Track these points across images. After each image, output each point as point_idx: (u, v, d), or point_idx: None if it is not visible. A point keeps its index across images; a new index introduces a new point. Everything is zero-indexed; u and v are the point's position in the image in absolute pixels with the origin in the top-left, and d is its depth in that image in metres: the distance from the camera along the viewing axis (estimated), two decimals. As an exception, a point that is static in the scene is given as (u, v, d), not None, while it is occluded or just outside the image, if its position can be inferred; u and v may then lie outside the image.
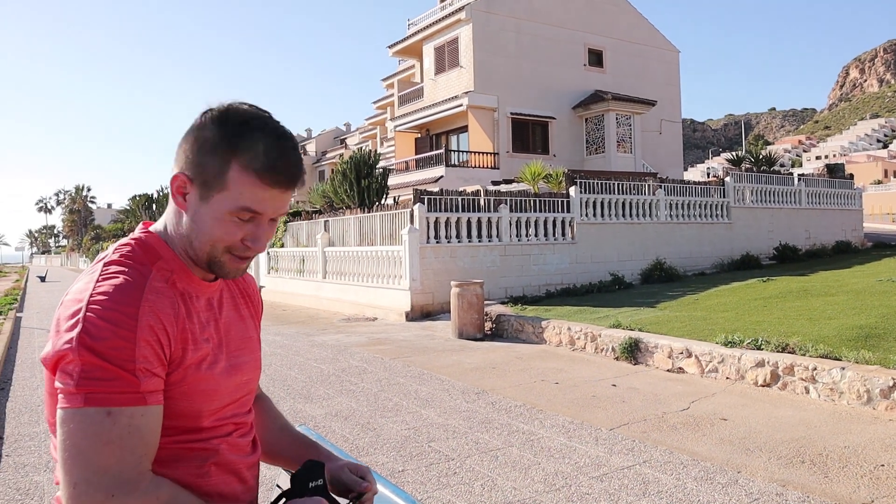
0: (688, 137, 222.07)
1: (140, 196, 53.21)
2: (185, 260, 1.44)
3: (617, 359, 9.63)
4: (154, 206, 52.98)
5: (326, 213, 20.39)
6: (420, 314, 14.64)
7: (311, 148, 70.83)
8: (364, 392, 7.94)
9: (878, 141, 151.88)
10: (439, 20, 29.34)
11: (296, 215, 22.94)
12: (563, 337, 10.85)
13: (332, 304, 18.00)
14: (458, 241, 15.23)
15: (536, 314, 12.26)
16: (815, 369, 7.34)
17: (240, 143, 1.34)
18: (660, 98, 31.77)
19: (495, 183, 24.31)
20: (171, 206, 1.45)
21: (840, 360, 7.44)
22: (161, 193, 52.78)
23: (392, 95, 38.61)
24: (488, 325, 12.59)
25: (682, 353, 8.83)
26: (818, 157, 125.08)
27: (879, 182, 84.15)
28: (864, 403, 6.84)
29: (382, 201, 19.88)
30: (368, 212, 17.64)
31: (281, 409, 7.13)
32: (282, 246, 22.97)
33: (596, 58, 31.04)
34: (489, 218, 15.70)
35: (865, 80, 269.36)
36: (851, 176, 27.85)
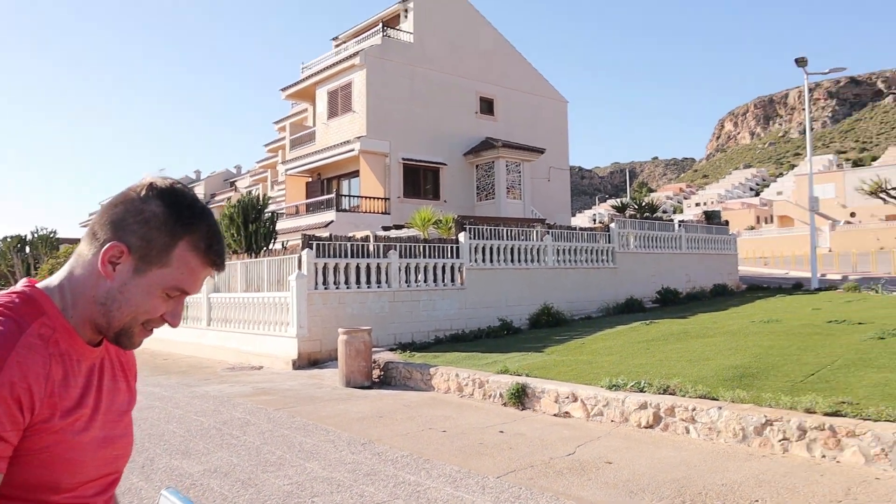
0: (576, 184, 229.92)
1: (12, 237, 49.87)
2: (77, 322, 1.34)
3: (505, 405, 9.62)
4: (27, 249, 49.78)
5: (212, 258, 19.69)
6: (307, 362, 14.27)
7: (199, 190, 69.04)
8: (246, 446, 7.59)
9: (751, 189, 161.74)
10: (333, 65, 29.36)
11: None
12: (451, 384, 10.78)
13: (217, 353, 17.33)
14: (347, 288, 15.01)
15: (425, 361, 12.15)
16: (695, 410, 7.53)
17: (191, 224, 1.35)
18: (549, 146, 32.73)
19: (386, 228, 24.25)
20: (83, 269, 1.36)
21: (717, 399, 7.68)
22: (35, 235, 49.68)
23: (284, 139, 38.18)
24: (376, 372, 12.38)
25: (568, 397, 8.90)
26: (697, 204, 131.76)
27: (752, 228, 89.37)
28: (739, 441, 7.05)
29: (271, 246, 19.43)
30: (256, 257, 17.18)
31: (156, 466, 6.72)
32: (164, 292, 22.00)
33: (487, 106, 31.76)
34: (378, 264, 15.58)
35: (739, 133, 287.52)
36: (727, 222, 29.42)
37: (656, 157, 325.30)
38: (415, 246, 16.50)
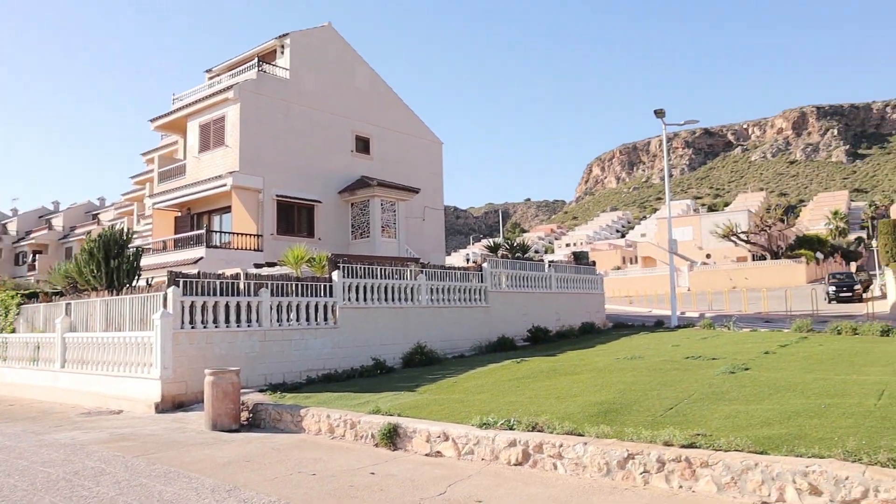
0: (451, 224, 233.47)
1: None
2: None
3: (377, 445, 9.52)
4: None
5: (69, 296, 18.61)
6: (172, 405, 13.63)
7: (57, 222, 65.31)
8: (99, 497, 7.13)
9: (617, 231, 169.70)
10: (207, 97, 28.66)
11: (32, 297, 20.71)
12: (322, 425, 10.57)
13: (72, 397, 16.27)
14: (216, 327, 14.51)
15: (296, 402, 11.88)
16: (562, 446, 7.72)
17: None
18: (424, 186, 33.14)
19: (258, 266, 23.71)
20: None
21: (583, 435, 7.90)
22: None
23: (152, 171, 36.79)
24: (245, 414, 11.98)
25: (439, 436, 8.91)
26: (568, 245, 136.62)
27: (618, 268, 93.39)
28: (604, 475, 7.27)
29: (134, 283, 18.54)
30: (118, 294, 16.34)
31: (-9, 524, 6.18)
32: (12, 331, 20.53)
33: (363, 145, 31.85)
34: (249, 302, 15.18)
35: (606, 177, 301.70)
36: (594, 262, 30.66)
37: (529, 199, 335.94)
38: (287, 284, 16.21)
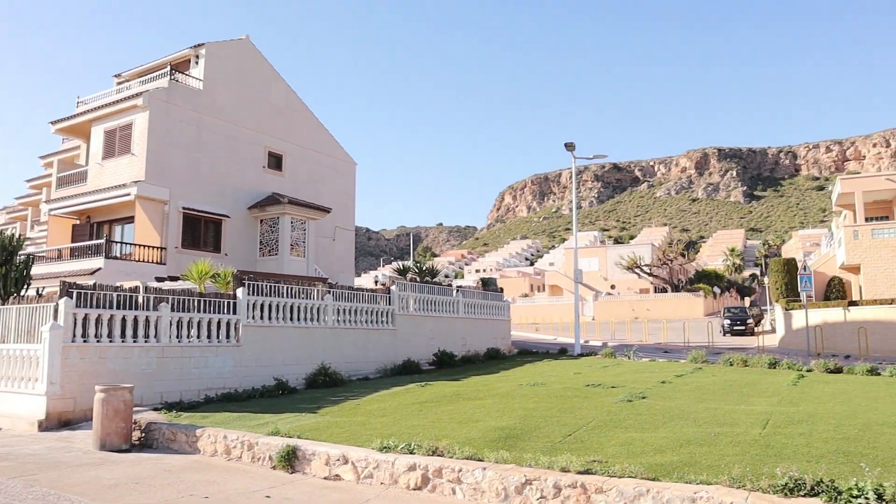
0: (363, 245, 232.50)
1: None
2: None
3: (274, 468, 9.29)
4: None
5: (-50, 304, 17.50)
6: (58, 423, 12.93)
7: (-57, 227, 61.52)
8: (-33, 520, 6.68)
9: (527, 259, 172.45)
10: (114, 102, 27.69)
11: None
12: (218, 446, 10.25)
13: (-54, 412, 15.23)
14: (110, 341, 13.90)
15: (192, 422, 11.49)
16: (461, 470, 7.72)
17: None
18: (335, 206, 32.91)
19: (160, 279, 22.93)
20: None
21: (482, 460, 7.93)
22: None
23: (51, 175, 35.18)
24: (137, 434, 11.49)
25: (339, 459, 8.78)
26: (478, 271, 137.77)
27: (526, 295, 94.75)
28: (502, 500, 7.31)
29: (23, 293, 17.61)
30: (4, 304, 15.47)
31: None
32: None
33: (276, 161, 31.40)
34: (148, 317, 14.63)
35: (517, 206, 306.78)
36: (502, 289, 31.00)
37: (441, 224, 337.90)
38: (190, 300, 15.72)
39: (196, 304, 15.82)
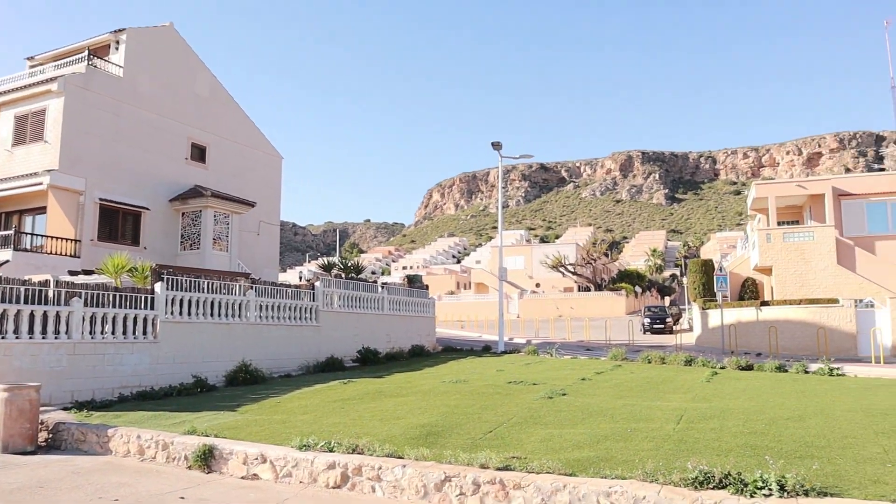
0: (289, 240, 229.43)
1: None
2: None
3: (190, 468, 9.06)
4: None
5: None
6: (-42, 422, 12.31)
7: None
8: None
9: (454, 256, 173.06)
10: (26, 86, 26.48)
11: None
12: (131, 446, 9.93)
13: None
14: (17, 337, 13.31)
15: (103, 421, 11.11)
16: (381, 468, 7.68)
17: None
18: (260, 200, 32.29)
19: (73, 273, 22.06)
20: None
21: (402, 458, 7.91)
22: None
23: (-44, 164, 33.47)
24: (44, 435, 11.04)
25: (257, 458, 8.63)
26: (405, 268, 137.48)
27: (452, 292, 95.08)
28: (422, 497, 7.30)
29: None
30: None
31: None
32: None
33: (199, 153, 30.62)
34: (59, 312, 14.06)
35: (445, 203, 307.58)
36: (427, 286, 31.04)
37: (369, 220, 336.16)
38: (104, 294, 15.19)
39: (111, 298, 15.30)
